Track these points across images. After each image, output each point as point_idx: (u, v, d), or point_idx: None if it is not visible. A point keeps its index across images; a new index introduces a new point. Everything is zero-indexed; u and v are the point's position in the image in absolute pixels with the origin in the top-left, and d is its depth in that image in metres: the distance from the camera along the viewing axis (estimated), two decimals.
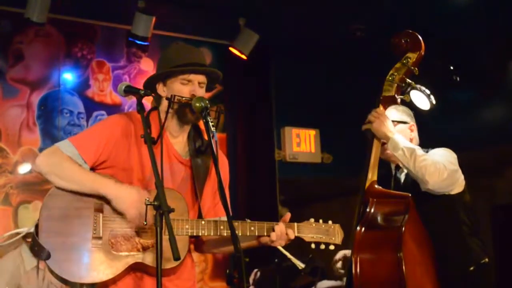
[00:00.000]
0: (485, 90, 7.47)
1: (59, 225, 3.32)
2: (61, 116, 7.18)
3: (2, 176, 6.77)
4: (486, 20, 7.09)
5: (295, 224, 3.61)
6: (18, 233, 5.36)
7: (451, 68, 7.06)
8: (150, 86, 3.56)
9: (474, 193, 4.30)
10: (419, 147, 4.17)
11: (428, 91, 5.79)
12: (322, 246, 3.65)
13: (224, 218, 3.38)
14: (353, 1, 7.20)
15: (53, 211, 3.33)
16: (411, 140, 4.36)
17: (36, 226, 3.34)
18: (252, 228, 3.51)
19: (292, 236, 3.56)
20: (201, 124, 3.49)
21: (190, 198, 3.57)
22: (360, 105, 4.48)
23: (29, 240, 5.35)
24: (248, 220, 3.55)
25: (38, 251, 3.29)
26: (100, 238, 3.33)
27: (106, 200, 3.33)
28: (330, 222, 3.68)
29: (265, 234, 3.52)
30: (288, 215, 3.61)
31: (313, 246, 3.64)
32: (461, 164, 4.20)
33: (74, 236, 3.31)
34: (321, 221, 3.67)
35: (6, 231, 6.63)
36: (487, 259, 4.08)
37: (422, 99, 6.43)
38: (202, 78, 3.54)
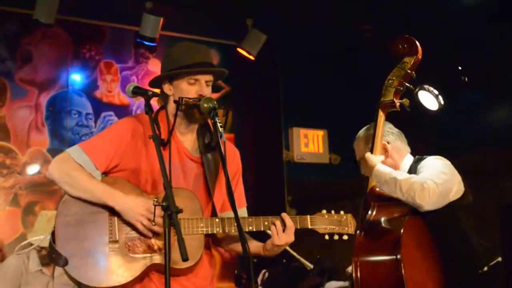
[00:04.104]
0: (494, 91, 7.43)
1: (75, 231, 3.34)
2: (70, 117, 7.19)
3: (10, 177, 6.77)
4: (495, 21, 7.05)
5: (308, 216, 3.60)
6: (34, 242, 5.37)
7: (460, 68, 7.02)
8: (156, 84, 3.57)
9: (482, 193, 4.25)
10: (400, 172, 4.10)
11: (436, 92, 5.76)
12: (336, 237, 3.63)
13: (240, 210, 3.49)
14: (361, 2, 7.18)
15: (68, 218, 3.35)
16: (391, 156, 4.28)
17: (53, 234, 3.36)
18: (266, 223, 3.51)
19: (293, 227, 3.52)
20: (209, 122, 3.51)
21: (204, 195, 3.57)
22: (369, 105, 4.46)
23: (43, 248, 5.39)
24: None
25: (56, 258, 3.32)
26: (116, 241, 3.34)
27: None
28: (342, 212, 3.67)
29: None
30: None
31: (326, 237, 3.62)
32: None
33: (90, 241, 3.33)
34: (333, 211, 3.66)
35: (15, 232, 6.66)
36: (499, 259, 4.04)
37: (430, 99, 6.39)
38: (209, 77, 3.53)
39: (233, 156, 3.74)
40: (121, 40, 7.69)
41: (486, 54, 7.29)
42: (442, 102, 6.56)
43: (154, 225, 3.22)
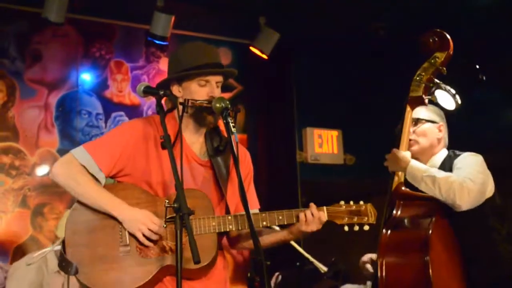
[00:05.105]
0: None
1: (86, 238, 3.34)
2: (79, 117, 7.15)
3: (19, 178, 6.72)
4: None
5: (324, 207, 3.54)
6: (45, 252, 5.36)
7: (477, 67, 6.94)
8: (164, 86, 3.52)
9: (506, 195, 4.22)
10: (436, 169, 4.06)
11: (453, 91, 5.69)
12: (356, 228, 3.56)
13: (253, 211, 3.46)
14: (376, 0, 7.11)
15: (78, 225, 3.36)
16: (439, 141, 4.27)
17: (63, 242, 3.36)
18: (281, 217, 3.48)
19: (324, 218, 3.49)
20: (219, 123, 3.48)
21: (215, 198, 3.54)
22: (384, 105, 4.41)
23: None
24: None
25: (66, 266, 3.32)
26: (127, 245, 3.33)
27: None
28: (361, 202, 3.61)
29: (294, 221, 3.50)
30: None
31: (346, 228, 3.55)
32: (488, 166, 4.11)
33: (101, 247, 3.33)
34: (351, 202, 3.60)
35: (25, 234, 6.63)
36: None
37: (447, 98, 6.33)
38: (219, 78, 3.51)
39: (244, 158, 3.70)
40: (131, 38, 7.63)
41: (504, 52, 7.20)
42: (460, 102, 6.47)
43: (165, 227, 3.19)
